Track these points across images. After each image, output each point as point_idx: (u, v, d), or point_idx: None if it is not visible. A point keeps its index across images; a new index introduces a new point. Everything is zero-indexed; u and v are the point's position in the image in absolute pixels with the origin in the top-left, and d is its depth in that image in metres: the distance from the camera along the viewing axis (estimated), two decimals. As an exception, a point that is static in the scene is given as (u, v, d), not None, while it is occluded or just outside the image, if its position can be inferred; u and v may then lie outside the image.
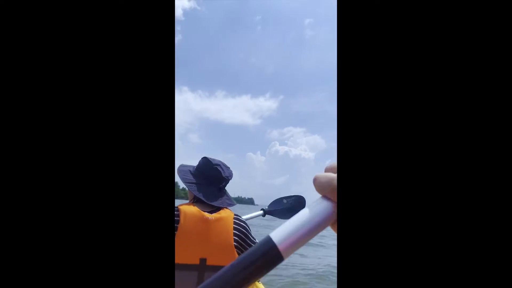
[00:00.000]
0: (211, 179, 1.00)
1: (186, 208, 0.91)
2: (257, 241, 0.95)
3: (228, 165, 1.05)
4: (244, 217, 1.06)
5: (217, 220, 0.90)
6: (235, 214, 0.96)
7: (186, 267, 0.85)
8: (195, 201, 0.97)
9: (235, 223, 0.93)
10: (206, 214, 0.91)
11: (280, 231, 0.28)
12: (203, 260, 0.85)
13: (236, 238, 0.90)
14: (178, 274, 0.84)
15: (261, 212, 1.32)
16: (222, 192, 1.01)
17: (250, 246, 0.91)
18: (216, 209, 0.95)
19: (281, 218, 1.27)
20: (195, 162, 1.09)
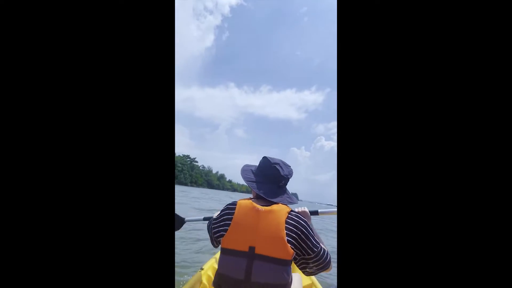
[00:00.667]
0: (271, 178, 1.07)
1: (242, 202, 1.01)
2: (317, 242, 0.97)
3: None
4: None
5: (268, 212, 0.95)
6: (292, 210, 0.98)
7: (236, 253, 0.93)
8: (257, 197, 1.05)
9: (289, 217, 0.95)
10: (258, 206, 0.97)
11: None
12: (252, 248, 0.91)
13: (289, 232, 0.92)
14: (229, 259, 0.93)
15: None
16: (282, 190, 1.07)
17: (306, 244, 0.93)
18: (272, 204, 1.00)
19: None
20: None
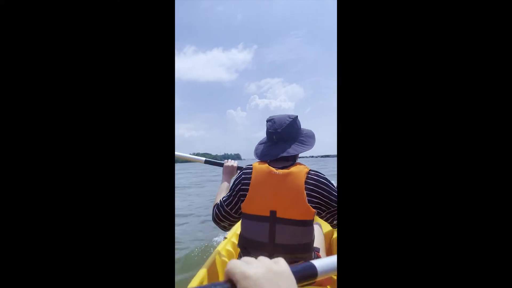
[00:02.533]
0: (268, 136, 1.05)
1: (257, 165, 0.99)
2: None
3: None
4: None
5: (286, 175, 0.93)
6: (310, 170, 0.95)
7: (257, 218, 0.93)
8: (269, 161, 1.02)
9: (308, 177, 0.93)
10: (274, 169, 0.95)
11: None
12: (273, 213, 0.91)
13: (310, 192, 0.91)
14: (251, 224, 0.94)
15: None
16: (279, 145, 1.01)
17: (330, 199, 0.91)
18: (290, 165, 0.97)
19: None
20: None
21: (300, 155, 1.08)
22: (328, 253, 1.52)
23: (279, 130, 1.00)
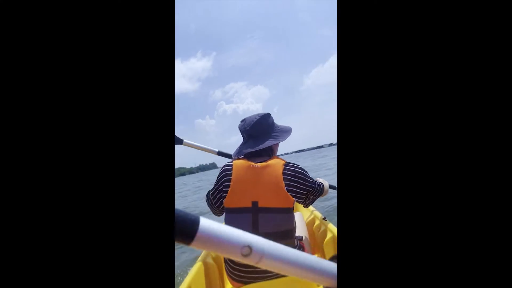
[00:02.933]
0: (242, 136, 1.13)
1: (237, 161, 1.05)
2: (311, 178, 1.05)
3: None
4: None
5: (265, 167, 1.00)
6: (287, 161, 1.03)
7: (240, 210, 0.98)
8: (248, 157, 1.08)
9: (285, 168, 1.00)
10: (253, 163, 1.02)
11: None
12: (255, 203, 0.96)
13: (288, 182, 0.98)
14: (234, 217, 0.98)
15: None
16: (253, 141, 1.08)
17: (305, 185, 1.01)
18: (268, 159, 1.05)
19: None
20: None
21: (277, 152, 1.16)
22: (311, 240, 1.57)
23: (247, 128, 1.07)
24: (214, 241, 0.31)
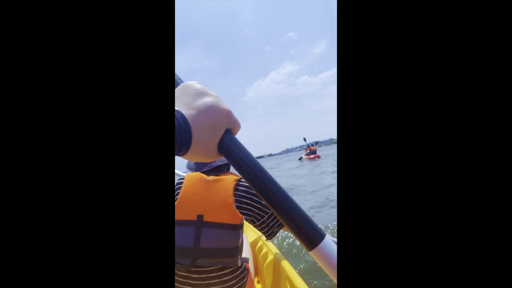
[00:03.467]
0: None
1: (191, 174, 1.02)
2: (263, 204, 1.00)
3: None
4: None
5: (216, 180, 0.97)
6: (241, 177, 0.96)
7: (183, 223, 0.93)
8: (207, 172, 1.04)
9: (238, 184, 0.97)
10: (205, 176, 0.99)
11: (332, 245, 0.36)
12: (200, 217, 0.92)
13: (240, 198, 0.95)
14: (178, 229, 0.93)
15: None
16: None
17: (258, 208, 0.96)
18: (221, 174, 1.02)
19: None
20: None
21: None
22: (255, 262, 1.53)
23: None
24: (330, 260, 0.36)
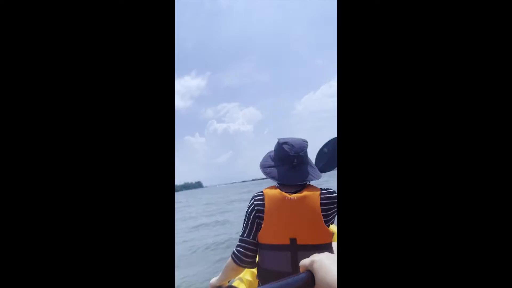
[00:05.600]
0: (283, 159, 1.00)
1: (268, 192, 0.96)
2: None
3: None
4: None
5: (300, 199, 0.91)
6: (322, 189, 0.95)
7: (277, 247, 0.90)
8: (278, 184, 1.00)
9: (322, 198, 0.92)
10: (287, 195, 0.93)
11: None
12: (293, 240, 0.89)
13: (326, 212, 0.91)
14: (271, 254, 0.91)
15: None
16: (299, 168, 0.98)
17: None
18: (301, 188, 0.96)
19: (332, 169, 1.22)
20: None
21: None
22: None
23: (301, 154, 0.98)
24: None
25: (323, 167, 1.24)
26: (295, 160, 0.98)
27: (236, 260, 0.95)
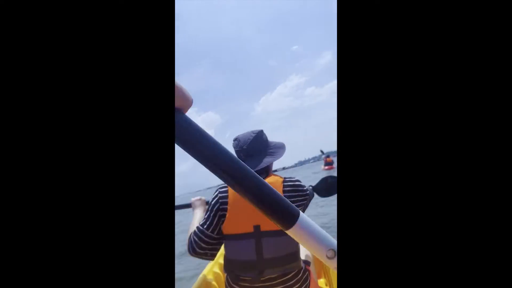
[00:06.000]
0: (236, 155, 1.03)
1: None
2: (309, 187, 1.04)
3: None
4: None
5: None
6: (286, 178, 0.97)
7: (241, 236, 0.91)
8: None
9: (285, 185, 0.94)
10: None
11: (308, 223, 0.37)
12: (257, 227, 0.90)
13: (288, 198, 0.88)
14: (236, 243, 0.91)
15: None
16: (252, 159, 1.00)
17: (305, 194, 0.95)
18: (264, 178, 0.92)
19: (323, 196, 1.28)
20: None
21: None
22: (316, 263, 1.49)
23: (244, 147, 1.01)
24: (307, 235, 0.36)
25: (324, 193, 1.29)
26: (242, 154, 1.02)
27: (190, 249, 0.94)
